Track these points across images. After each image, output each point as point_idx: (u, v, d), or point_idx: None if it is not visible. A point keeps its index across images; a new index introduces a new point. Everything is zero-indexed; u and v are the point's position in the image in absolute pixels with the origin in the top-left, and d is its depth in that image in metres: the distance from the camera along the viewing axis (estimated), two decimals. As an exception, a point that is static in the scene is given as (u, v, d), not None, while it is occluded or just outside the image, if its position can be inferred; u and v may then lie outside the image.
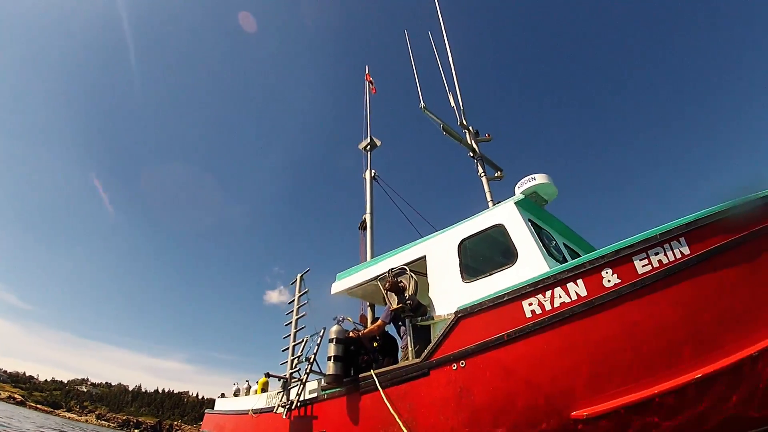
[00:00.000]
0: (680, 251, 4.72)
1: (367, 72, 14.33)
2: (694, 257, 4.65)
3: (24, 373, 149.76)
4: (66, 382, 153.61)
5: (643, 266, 4.83)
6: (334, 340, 7.45)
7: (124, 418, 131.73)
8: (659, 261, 4.77)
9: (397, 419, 5.86)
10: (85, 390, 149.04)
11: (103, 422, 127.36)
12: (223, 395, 13.79)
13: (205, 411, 14.21)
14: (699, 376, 4.46)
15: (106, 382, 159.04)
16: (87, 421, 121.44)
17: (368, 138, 12.43)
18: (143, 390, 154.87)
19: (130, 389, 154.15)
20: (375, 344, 7.57)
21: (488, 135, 9.26)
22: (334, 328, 7.64)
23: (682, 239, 4.74)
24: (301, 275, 9.67)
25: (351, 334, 7.70)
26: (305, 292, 9.38)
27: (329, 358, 7.39)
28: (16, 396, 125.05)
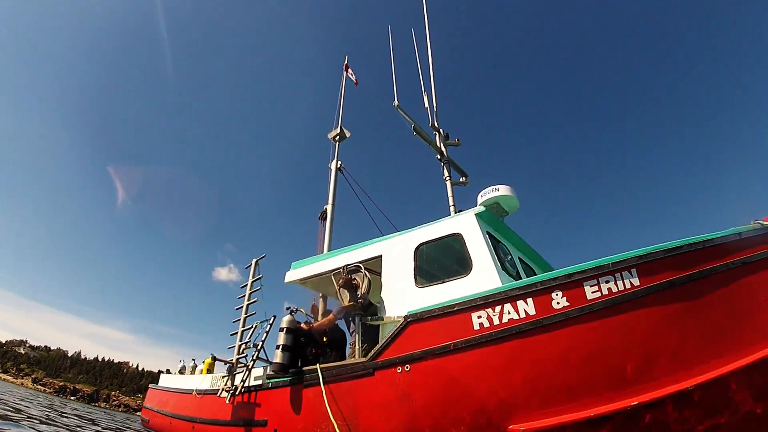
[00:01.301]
0: (630, 282, 4.85)
1: (346, 62, 14.12)
2: (643, 289, 4.79)
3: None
4: (3, 342, 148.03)
5: (592, 292, 4.94)
6: (285, 329, 7.42)
7: (61, 384, 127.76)
8: (609, 289, 4.89)
9: (330, 416, 5.90)
10: (23, 352, 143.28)
11: (39, 387, 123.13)
12: (168, 371, 13.61)
13: (150, 386, 14.01)
14: (635, 403, 4.62)
15: (45, 346, 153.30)
16: (23, 384, 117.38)
17: (338, 128, 12.27)
18: (83, 357, 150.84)
19: (70, 355, 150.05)
20: (324, 338, 7.57)
21: (458, 140, 9.23)
22: (286, 317, 7.60)
23: (633, 270, 4.88)
24: (257, 260, 9.54)
25: (302, 326, 7.66)
26: (259, 278, 9.28)
27: (278, 347, 7.35)
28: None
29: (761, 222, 4.90)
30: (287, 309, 7.91)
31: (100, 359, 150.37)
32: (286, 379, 7.39)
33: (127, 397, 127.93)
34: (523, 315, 5.17)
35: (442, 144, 8.98)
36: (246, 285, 9.36)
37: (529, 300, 5.19)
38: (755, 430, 4.69)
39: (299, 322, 7.72)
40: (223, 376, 8.95)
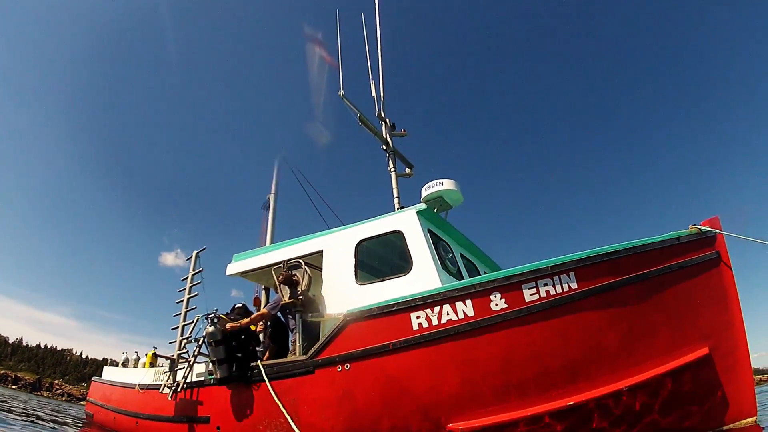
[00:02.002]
0: (568, 285, 4.93)
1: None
2: (580, 292, 4.87)
3: None
4: None
5: (531, 294, 5.00)
6: (214, 342, 6.99)
7: (1, 372, 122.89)
8: (547, 291, 4.97)
9: (283, 410, 5.87)
10: None
11: None
12: (114, 362, 13.25)
13: (93, 379, 13.62)
14: (570, 403, 4.75)
15: None
16: None
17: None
18: (24, 344, 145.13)
19: (11, 342, 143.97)
20: (263, 330, 7.49)
21: (404, 130, 9.11)
22: (209, 329, 7.13)
23: (571, 274, 4.95)
24: (197, 253, 9.25)
25: (228, 326, 7.17)
26: (199, 271, 8.99)
27: (213, 362, 7.10)
28: None
29: (699, 227, 5.03)
30: (206, 317, 7.49)
31: (42, 346, 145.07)
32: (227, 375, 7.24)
33: (71, 386, 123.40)
34: (461, 316, 5.19)
35: (388, 135, 8.82)
36: (186, 278, 9.08)
37: (468, 301, 5.21)
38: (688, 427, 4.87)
39: (225, 323, 7.27)
40: (165, 372, 8.72)
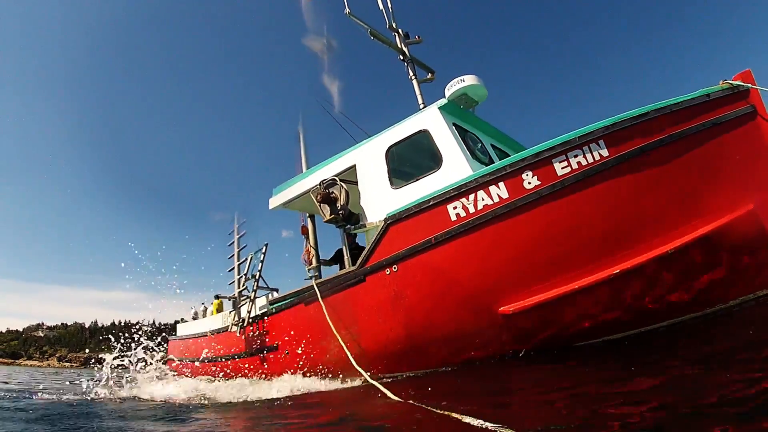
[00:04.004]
0: (599, 153, 4.85)
1: None
2: (613, 159, 4.79)
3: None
4: (21, 330, 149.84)
5: (562, 168, 4.95)
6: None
7: (85, 356, 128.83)
8: (578, 163, 4.90)
9: (331, 325, 6.09)
10: (42, 335, 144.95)
11: (66, 363, 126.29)
12: (183, 320, 13.96)
13: (168, 338, 14.39)
14: (617, 271, 4.73)
15: (62, 323, 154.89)
16: (49, 365, 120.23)
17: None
18: (99, 325, 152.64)
19: (87, 326, 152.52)
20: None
21: (418, 37, 8.90)
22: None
23: (601, 142, 4.87)
24: (237, 214, 9.60)
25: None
26: (243, 234, 9.38)
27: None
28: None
29: (730, 82, 4.84)
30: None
31: (116, 323, 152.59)
32: (287, 301, 7.62)
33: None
34: (496, 199, 5.21)
35: (402, 44, 8.66)
36: (232, 230, 9.43)
37: (501, 184, 5.20)
38: (742, 281, 4.84)
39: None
40: (230, 311, 9.20)
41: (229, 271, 9.32)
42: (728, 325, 4.84)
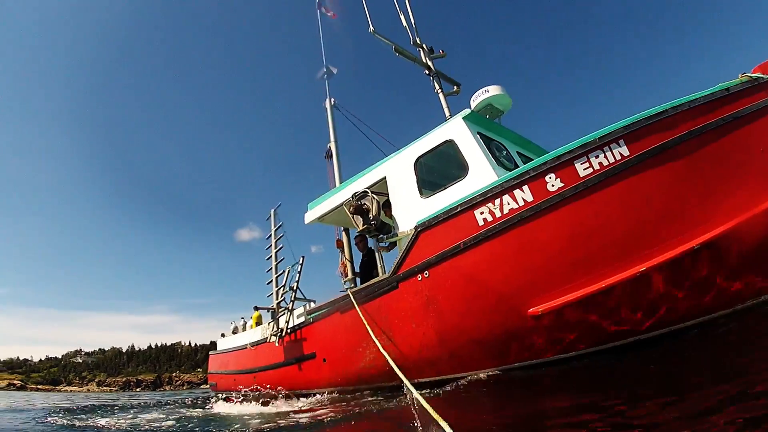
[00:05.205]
0: (620, 153, 4.94)
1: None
2: (634, 158, 4.88)
3: (18, 357, 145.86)
4: (60, 357, 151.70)
5: (584, 169, 5.05)
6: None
7: (123, 380, 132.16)
8: (600, 163, 4.99)
9: (370, 332, 6.26)
10: (81, 361, 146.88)
11: (105, 388, 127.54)
12: (223, 335, 14.44)
13: (210, 353, 14.82)
14: (643, 269, 4.78)
15: (100, 349, 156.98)
16: (89, 390, 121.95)
17: (324, 67, 12.34)
18: (137, 349, 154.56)
19: (124, 351, 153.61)
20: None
21: (442, 51, 9.17)
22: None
23: (621, 141, 4.96)
24: (274, 210, 9.95)
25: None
26: (280, 226, 9.70)
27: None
28: (15, 382, 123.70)
29: (749, 74, 4.87)
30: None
31: (153, 346, 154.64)
32: (323, 311, 7.88)
33: (188, 374, 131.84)
34: (521, 203, 5.33)
35: (427, 59, 8.94)
36: (270, 235, 9.77)
37: (525, 188, 5.33)
38: None
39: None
40: (269, 323, 9.52)
41: (267, 283, 9.66)
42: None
